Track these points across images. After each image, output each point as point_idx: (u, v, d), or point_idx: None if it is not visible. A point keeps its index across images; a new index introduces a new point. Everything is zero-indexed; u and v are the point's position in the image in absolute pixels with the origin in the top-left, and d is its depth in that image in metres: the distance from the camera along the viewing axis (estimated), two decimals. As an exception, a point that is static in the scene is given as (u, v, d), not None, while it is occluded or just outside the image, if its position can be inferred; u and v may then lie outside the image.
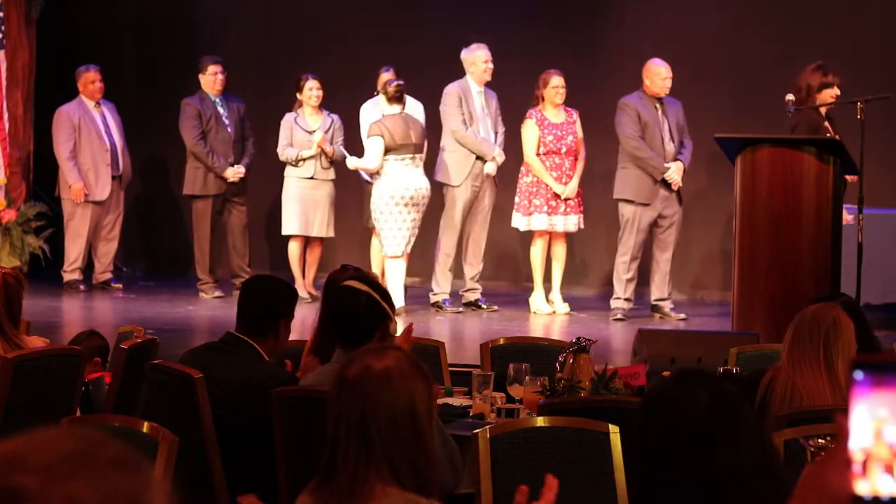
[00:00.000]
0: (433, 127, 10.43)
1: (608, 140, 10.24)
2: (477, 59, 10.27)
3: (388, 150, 9.76)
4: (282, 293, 5.12)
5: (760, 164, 7.90)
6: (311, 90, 10.60)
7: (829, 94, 8.72)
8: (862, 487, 1.43)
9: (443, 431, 4.01)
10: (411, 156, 9.82)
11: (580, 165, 10.20)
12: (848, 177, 8.39)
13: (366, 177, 10.28)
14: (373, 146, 9.79)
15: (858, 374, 1.44)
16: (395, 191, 9.79)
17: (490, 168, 10.22)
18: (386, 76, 10.41)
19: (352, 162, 10.14)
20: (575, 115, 10.25)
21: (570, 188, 10.12)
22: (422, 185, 9.89)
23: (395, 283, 9.80)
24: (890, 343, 6.62)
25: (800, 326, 4.68)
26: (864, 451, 1.42)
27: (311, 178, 10.60)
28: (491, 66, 10.26)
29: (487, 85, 10.34)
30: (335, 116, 10.73)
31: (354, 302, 4.66)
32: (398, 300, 9.48)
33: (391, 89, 9.92)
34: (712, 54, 11.42)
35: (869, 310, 9.23)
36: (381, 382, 2.82)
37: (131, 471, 1.40)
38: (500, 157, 10.27)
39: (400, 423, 2.81)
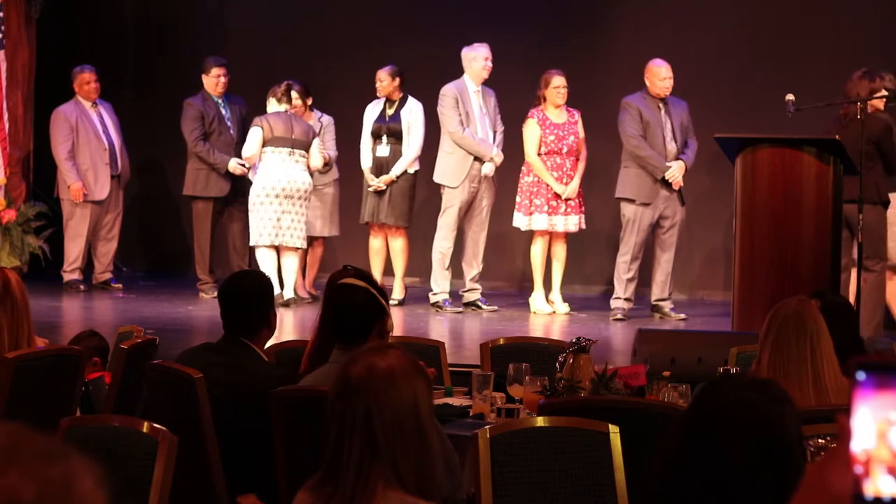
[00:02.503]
0: (433, 127, 10.44)
1: (609, 140, 10.24)
2: (478, 55, 10.27)
3: (266, 143, 10.22)
4: (260, 289, 5.07)
5: (760, 164, 7.90)
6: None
7: (879, 96, 8.81)
8: (864, 488, 1.42)
9: (441, 433, 4.01)
10: (289, 150, 10.24)
11: (581, 165, 10.20)
12: None
13: (246, 169, 10.67)
14: (251, 136, 10.31)
15: (860, 375, 1.43)
16: (268, 182, 10.22)
17: (488, 169, 10.22)
18: (378, 74, 10.48)
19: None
20: (577, 116, 10.25)
21: (571, 188, 10.12)
22: (297, 179, 10.26)
23: (266, 272, 10.21)
24: (890, 343, 6.62)
25: (783, 329, 4.49)
26: (866, 453, 1.42)
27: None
28: (490, 64, 10.26)
29: (485, 83, 10.34)
30: (326, 118, 10.77)
31: (352, 296, 4.66)
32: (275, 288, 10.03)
33: (279, 89, 10.37)
34: (713, 54, 11.41)
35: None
36: (385, 382, 2.80)
37: (60, 459, 1.41)
38: (499, 158, 10.27)
39: (404, 423, 2.79)
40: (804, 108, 8.62)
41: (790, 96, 8.58)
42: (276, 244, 10.27)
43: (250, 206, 10.31)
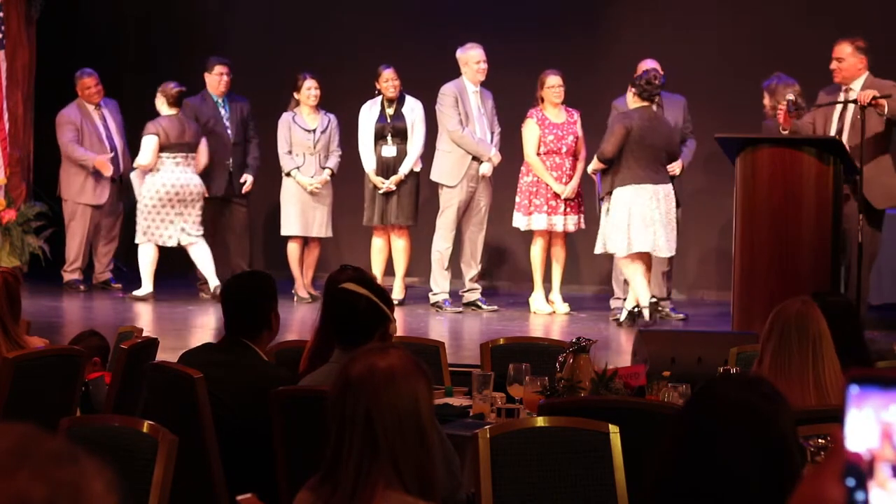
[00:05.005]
0: (431, 126, 10.43)
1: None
2: (470, 58, 10.27)
3: (162, 149, 10.49)
4: (261, 291, 5.06)
5: (760, 164, 7.90)
6: (310, 89, 10.61)
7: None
8: (860, 497, 1.42)
9: (441, 433, 4.00)
10: (184, 155, 10.56)
11: (580, 165, 10.19)
12: None
13: (134, 178, 10.84)
14: (147, 144, 10.55)
15: (854, 389, 1.43)
16: (163, 186, 10.52)
17: (486, 169, 10.22)
18: (387, 73, 10.44)
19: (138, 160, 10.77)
20: (576, 115, 10.24)
21: (571, 188, 10.12)
22: (189, 183, 10.58)
23: (143, 268, 10.66)
24: (890, 343, 6.61)
25: (785, 331, 4.48)
26: (870, 452, 1.42)
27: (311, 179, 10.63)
28: (484, 66, 10.26)
29: (483, 84, 10.34)
30: (332, 116, 10.73)
31: (354, 305, 4.64)
32: (146, 286, 10.61)
33: (170, 91, 10.63)
34: (713, 54, 11.41)
35: (868, 310, 9.24)
36: (385, 382, 2.80)
37: (70, 462, 1.42)
38: (497, 158, 10.27)
39: (404, 423, 2.79)
40: (804, 109, 8.63)
41: (790, 96, 8.58)
42: (171, 245, 10.58)
43: (141, 207, 10.59)
